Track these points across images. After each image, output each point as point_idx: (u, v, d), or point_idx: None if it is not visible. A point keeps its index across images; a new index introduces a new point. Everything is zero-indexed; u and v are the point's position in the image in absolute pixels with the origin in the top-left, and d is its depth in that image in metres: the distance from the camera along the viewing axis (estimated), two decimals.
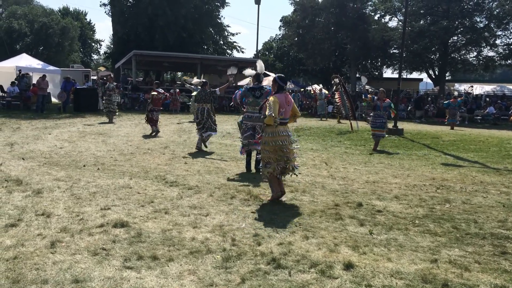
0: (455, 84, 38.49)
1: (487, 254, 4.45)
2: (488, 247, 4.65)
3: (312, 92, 26.78)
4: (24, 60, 25.47)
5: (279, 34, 48.57)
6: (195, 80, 12.06)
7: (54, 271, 3.69)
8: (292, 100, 6.38)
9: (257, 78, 8.20)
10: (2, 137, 11.51)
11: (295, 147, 6.38)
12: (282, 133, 6.07)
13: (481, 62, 31.35)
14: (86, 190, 6.35)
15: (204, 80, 11.02)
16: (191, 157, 9.70)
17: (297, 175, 6.77)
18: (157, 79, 35.26)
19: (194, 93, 11.21)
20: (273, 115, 5.81)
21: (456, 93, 21.89)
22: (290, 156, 6.16)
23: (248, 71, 8.33)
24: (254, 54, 41.98)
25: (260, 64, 7.99)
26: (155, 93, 13.52)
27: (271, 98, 5.99)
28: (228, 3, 36.95)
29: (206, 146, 10.82)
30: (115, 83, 17.90)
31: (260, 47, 51.29)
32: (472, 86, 29.52)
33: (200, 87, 10.69)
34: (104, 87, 17.72)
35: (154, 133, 13.34)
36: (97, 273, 3.68)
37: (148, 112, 13.51)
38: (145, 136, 12.94)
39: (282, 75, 6.51)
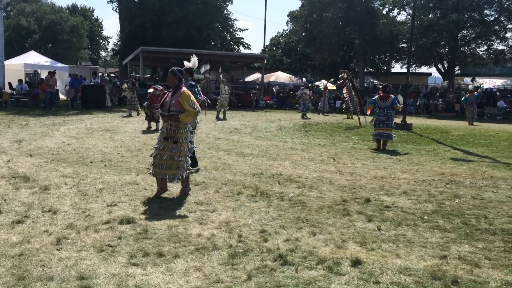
0: (465, 78, 38.08)
1: (498, 250, 4.37)
2: (498, 243, 4.58)
3: (322, 88, 26.92)
4: (32, 58, 25.58)
5: (287, 29, 48.28)
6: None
7: (60, 268, 3.67)
8: None
9: (191, 73, 8.03)
10: (10, 134, 11.56)
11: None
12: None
13: (491, 55, 30.98)
14: (93, 187, 6.35)
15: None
16: (198, 153, 9.67)
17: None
18: (165, 75, 35.25)
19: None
20: (198, 109, 5.81)
21: (470, 87, 21.55)
22: None
23: (186, 63, 8.09)
24: (262, 49, 41.84)
25: (193, 59, 7.92)
26: (152, 90, 13.39)
27: (186, 93, 5.76)
28: None
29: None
30: (132, 80, 18.39)
31: (267, 43, 51.15)
32: (474, 78, 29.04)
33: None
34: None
35: (150, 128, 13.40)
36: (103, 270, 3.67)
37: (148, 109, 13.47)
38: (150, 131, 12.94)
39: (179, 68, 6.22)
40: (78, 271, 3.63)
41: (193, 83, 8.04)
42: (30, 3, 48.90)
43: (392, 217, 5.35)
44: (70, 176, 6.96)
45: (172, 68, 5.99)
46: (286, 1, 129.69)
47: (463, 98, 20.88)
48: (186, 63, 7.87)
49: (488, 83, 34.87)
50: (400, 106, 11.59)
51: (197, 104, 5.86)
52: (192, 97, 5.80)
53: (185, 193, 6.11)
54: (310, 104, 22.19)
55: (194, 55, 8.02)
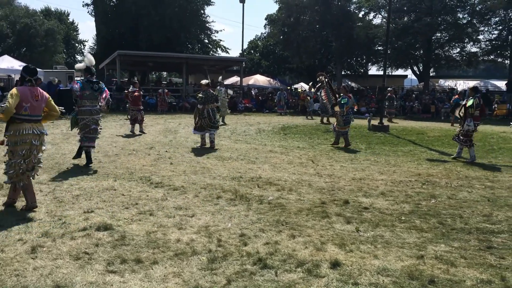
0: (440, 80, 38.83)
1: (473, 249, 4.46)
2: (473, 242, 4.67)
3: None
4: (6, 62, 25.01)
5: (265, 33, 48.41)
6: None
7: (35, 277, 3.60)
8: (47, 96, 5.73)
9: (89, 71, 8.35)
10: None
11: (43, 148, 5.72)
12: (30, 131, 5.37)
13: (464, 58, 31.68)
14: (69, 193, 6.24)
15: (208, 81, 11.26)
16: (177, 157, 9.61)
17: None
18: (143, 79, 34.94)
19: (200, 95, 11.25)
20: (7, 109, 5.10)
21: (458, 89, 21.98)
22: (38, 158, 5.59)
23: (78, 65, 8.58)
24: (240, 53, 41.82)
25: (88, 58, 8.33)
26: (126, 91, 13.82)
27: (9, 93, 5.25)
28: (212, 1, 36.71)
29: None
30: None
31: (245, 46, 51.15)
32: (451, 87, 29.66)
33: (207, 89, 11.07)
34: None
35: (133, 132, 13.37)
36: (79, 278, 3.60)
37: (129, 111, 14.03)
38: (128, 136, 12.80)
39: (30, 65, 5.77)
40: (53, 280, 3.56)
41: (95, 81, 8.39)
42: (3, 6, 47.88)
43: (370, 218, 5.41)
44: (45, 183, 6.82)
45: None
46: (263, 5, 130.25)
47: (455, 99, 21.22)
48: (78, 65, 8.30)
49: (462, 84, 35.59)
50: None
51: (10, 103, 5.11)
52: (9, 98, 5.18)
53: (7, 204, 5.51)
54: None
55: (88, 54, 8.40)
